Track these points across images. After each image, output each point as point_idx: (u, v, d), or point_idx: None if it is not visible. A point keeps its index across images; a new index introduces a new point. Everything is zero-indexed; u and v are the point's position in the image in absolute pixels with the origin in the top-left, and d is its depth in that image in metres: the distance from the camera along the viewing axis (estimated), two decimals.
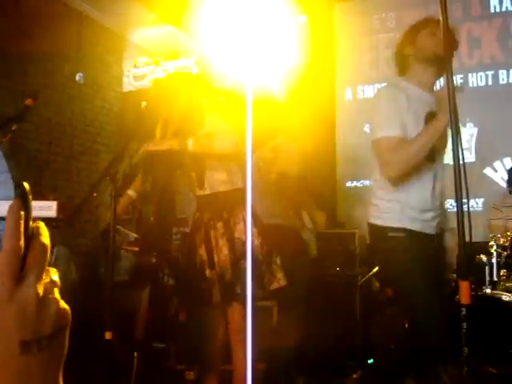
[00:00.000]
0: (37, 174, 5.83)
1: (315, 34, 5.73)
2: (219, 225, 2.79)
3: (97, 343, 2.03)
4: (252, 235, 2.79)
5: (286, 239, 3.58)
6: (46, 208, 2.79)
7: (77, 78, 6.03)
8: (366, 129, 5.76)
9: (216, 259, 2.75)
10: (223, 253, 2.75)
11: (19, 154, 5.58)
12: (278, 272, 2.85)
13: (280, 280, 2.84)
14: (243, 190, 2.86)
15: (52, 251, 2.50)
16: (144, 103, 2.70)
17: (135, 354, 2.50)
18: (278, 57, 5.72)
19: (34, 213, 2.24)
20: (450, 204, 5.33)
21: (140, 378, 2.75)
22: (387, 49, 5.73)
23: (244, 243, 2.75)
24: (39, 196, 4.91)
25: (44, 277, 0.60)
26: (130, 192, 3.15)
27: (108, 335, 2.10)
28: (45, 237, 0.62)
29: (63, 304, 0.61)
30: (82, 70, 6.36)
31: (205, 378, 3.04)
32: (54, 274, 0.63)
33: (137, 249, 2.82)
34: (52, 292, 0.61)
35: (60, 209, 2.78)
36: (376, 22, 5.81)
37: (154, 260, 2.80)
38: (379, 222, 2.61)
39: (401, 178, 2.53)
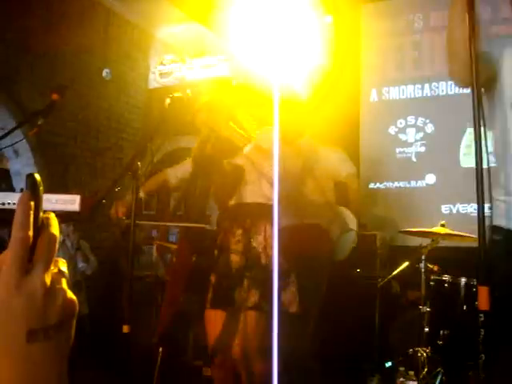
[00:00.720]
0: (62, 168, 5.91)
1: (341, 34, 5.71)
2: (238, 232, 2.82)
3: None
4: (270, 248, 2.79)
5: (309, 238, 3.56)
6: (69, 202, 2.83)
7: (103, 73, 6.09)
8: (391, 130, 5.74)
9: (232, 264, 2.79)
10: (236, 258, 2.78)
11: (45, 148, 5.67)
12: (295, 296, 2.85)
13: (296, 307, 2.84)
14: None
15: (73, 245, 2.54)
16: (168, 100, 2.71)
17: (160, 348, 2.51)
18: (304, 57, 5.73)
19: (58, 206, 2.27)
20: (474, 208, 5.30)
21: (156, 372, 2.76)
22: (413, 50, 5.71)
23: (259, 254, 2.76)
24: (64, 190, 4.99)
25: (52, 267, 0.62)
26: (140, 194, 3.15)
27: (126, 329, 2.12)
28: (54, 228, 0.63)
29: (70, 294, 0.63)
30: (109, 66, 6.43)
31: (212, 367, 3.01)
32: (63, 265, 0.64)
33: (174, 246, 2.82)
34: (60, 282, 0.62)
35: (83, 203, 2.81)
36: (403, 23, 5.77)
37: (193, 259, 2.81)
38: None
39: None
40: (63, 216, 2.88)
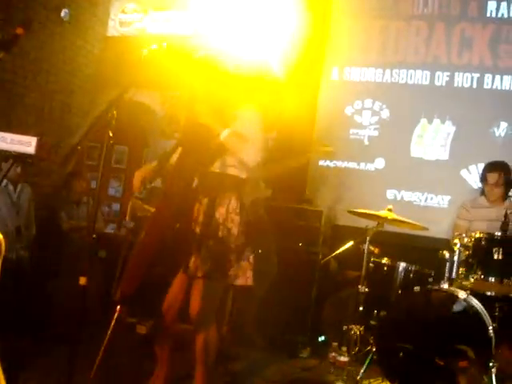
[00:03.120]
0: (8, 106, 5.66)
1: (311, 9, 5.68)
2: (204, 201, 2.83)
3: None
4: (232, 222, 2.82)
5: None
6: (24, 143, 2.72)
7: (62, 14, 5.83)
8: (347, 111, 5.79)
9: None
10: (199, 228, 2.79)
11: None
12: (248, 270, 2.88)
13: (248, 279, 2.88)
14: (244, 182, 2.90)
15: (16, 187, 2.45)
16: (145, 51, 2.62)
17: (118, 307, 2.47)
18: (273, 29, 5.66)
19: (12, 147, 2.17)
20: (418, 197, 5.47)
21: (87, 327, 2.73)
22: (380, 35, 5.75)
23: (219, 226, 2.78)
24: (7, 129, 4.76)
25: None
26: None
27: (83, 280, 2.07)
28: None
29: None
30: (68, 6, 6.15)
31: (157, 335, 3.05)
32: None
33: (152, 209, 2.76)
34: None
35: (39, 146, 2.70)
36: (373, 8, 5.80)
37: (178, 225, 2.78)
38: None
39: None
40: (17, 157, 2.77)
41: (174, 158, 3.01)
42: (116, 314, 2.49)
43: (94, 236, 2.41)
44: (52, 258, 5.44)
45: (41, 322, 4.32)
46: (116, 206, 7.44)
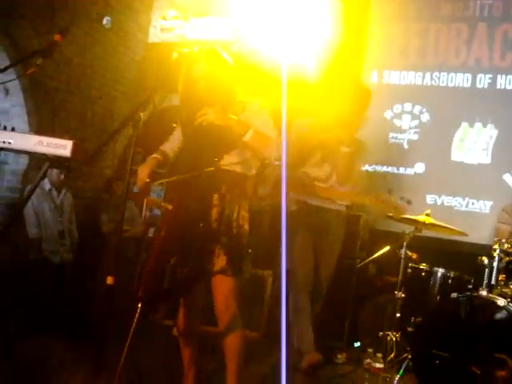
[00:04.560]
0: (52, 112, 5.80)
1: (350, 12, 5.65)
2: (215, 197, 2.84)
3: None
4: (243, 219, 2.87)
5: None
6: (60, 146, 2.76)
7: (104, 21, 5.95)
8: (387, 115, 5.72)
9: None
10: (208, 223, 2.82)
11: (37, 90, 5.55)
12: (249, 264, 2.97)
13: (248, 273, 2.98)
14: (248, 178, 2.95)
15: (59, 193, 2.51)
16: (175, 54, 2.65)
17: (139, 305, 2.50)
18: (311, 33, 5.66)
19: (49, 150, 2.21)
20: (458, 202, 5.35)
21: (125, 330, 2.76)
22: (419, 38, 5.67)
23: (232, 222, 2.82)
24: (51, 135, 4.89)
25: None
26: (158, 156, 3.06)
27: (110, 280, 2.10)
28: None
29: None
30: (109, 14, 6.28)
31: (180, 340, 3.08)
32: None
33: (170, 207, 2.79)
34: None
35: (75, 149, 2.74)
36: (412, 10, 5.72)
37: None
38: None
39: None
40: (53, 160, 2.82)
41: (175, 148, 3.04)
42: (138, 312, 2.51)
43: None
44: (93, 261, 5.56)
45: (78, 323, 4.40)
46: (157, 210, 7.52)
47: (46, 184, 5.22)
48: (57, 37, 3.14)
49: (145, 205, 3.26)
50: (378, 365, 3.94)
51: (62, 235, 5.34)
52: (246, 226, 2.87)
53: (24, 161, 5.52)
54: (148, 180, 2.84)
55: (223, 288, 2.85)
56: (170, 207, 2.76)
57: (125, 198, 2.35)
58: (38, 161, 5.29)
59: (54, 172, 5.17)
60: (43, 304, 4.73)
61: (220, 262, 2.78)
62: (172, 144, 3.10)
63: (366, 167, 5.72)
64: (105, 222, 5.91)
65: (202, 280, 2.90)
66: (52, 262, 5.20)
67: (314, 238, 3.99)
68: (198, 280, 2.84)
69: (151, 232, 7.05)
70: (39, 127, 5.53)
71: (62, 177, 5.27)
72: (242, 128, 2.79)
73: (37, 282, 4.89)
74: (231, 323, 2.87)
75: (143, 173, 2.86)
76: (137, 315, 2.50)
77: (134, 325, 2.45)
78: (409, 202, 3.91)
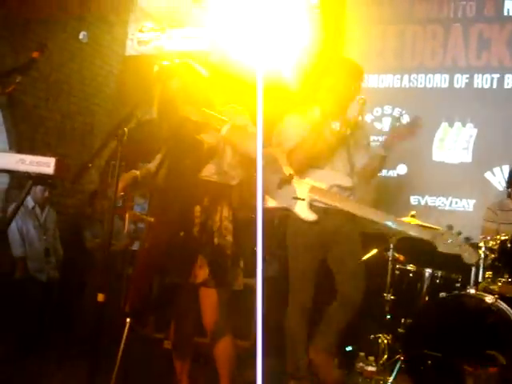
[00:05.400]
0: (31, 129, 5.75)
1: (326, 17, 5.69)
2: (197, 209, 2.83)
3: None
4: (226, 230, 2.86)
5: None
6: (43, 164, 2.74)
7: (80, 36, 5.92)
8: (367, 118, 5.75)
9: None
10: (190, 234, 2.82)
11: (15, 108, 5.51)
12: (240, 275, 2.96)
13: (241, 284, 2.96)
14: (230, 188, 2.92)
15: (43, 210, 2.49)
16: (156, 67, 2.64)
17: (128, 319, 2.48)
18: (289, 40, 5.69)
19: (32, 168, 2.18)
20: (442, 202, 5.39)
21: (115, 344, 2.74)
22: (396, 40, 5.71)
23: (213, 233, 2.81)
24: (31, 152, 4.86)
25: None
26: (137, 172, 3.05)
27: (100, 297, 2.08)
28: None
29: None
30: (85, 28, 6.25)
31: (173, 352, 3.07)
32: None
33: (151, 219, 2.77)
34: None
35: (58, 166, 2.72)
36: (388, 12, 5.77)
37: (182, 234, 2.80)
38: None
39: None
40: (37, 178, 2.79)
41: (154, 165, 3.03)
42: (127, 327, 2.49)
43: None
44: (79, 278, 5.51)
45: (66, 340, 4.37)
46: (142, 223, 7.48)
47: (29, 202, 5.16)
48: (35, 54, 3.13)
49: (127, 218, 3.25)
50: (370, 368, 3.94)
51: (48, 253, 5.29)
52: (229, 238, 2.86)
53: (4, 180, 5.47)
54: (122, 193, 2.83)
55: (208, 300, 2.86)
56: (151, 220, 2.75)
57: (112, 213, 2.33)
58: (20, 179, 5.24)
59: (38, 189, 5.12)
60: (31, 323, 4.69)
61: (203, 273, 2.78)
62: (156, 162, 3.10)
63: None
64: (88, 238, 5.84)
65: (186, 292, 2.89)
66: (38, 280, 5.14)
67: (325, 250, 3.44)
68: (182, 291, 2.83)
69: (135, 246, 7.03)
70: (19, 145, 5.49)
71: (46, 194, 5.22)
72: (218, 122, 2.76)
73: (23, 302, 4.84)
74: (221, 334, 2.88)
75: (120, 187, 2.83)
76: (126, 330, 2.48)
77: (123, 340, 2.43)
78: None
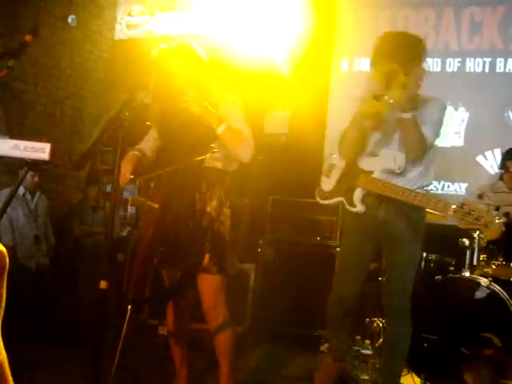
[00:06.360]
0: (21, 114, 5.68)
1: (317, 1, 5.66)
2: (196, 195, 2.81)
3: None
4: (224, 215, 2.83)
5: None
6: (38, 149, 2.69)
7: (69, 20, 5.85)
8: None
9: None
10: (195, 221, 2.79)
11: (4, 93, 5.42)
12: (236, 260, 2.94)
13: (236, 270, 2.95)
14: (230, 175, 2.90)
15: (33, 196, 2.45)
16: (155, 51, 2.60)
17: (129, 306, 2.46)
18: (280, 25, 5.65)
19: (26, 154, 2.14)
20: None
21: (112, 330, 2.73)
22: (389, 24, 5.69)
23: (213, 219, 2.79)
24: (20, 137, 4.80)
25: None
26: (136, 152, 2.97)
27: (103, 284, 2.06)
28: None
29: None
30: (74, 11, 6.17)
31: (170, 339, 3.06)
32: None
33: (156, 205, 2.73)
34: None
35: (53, 152, 2.68)
36: None
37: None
38: None
39: None
40: (31, 164, 2.75)
41: (152, 147, 3.01)
42: (128, 314, 2.47)
43: None
44: (69, 264, 5.49)
45: (62, 327, 4.34)
46: (132, 209, 7.45)
47: (20, 188, 5.08)
48: (27, 37, 3.06)
49: (130, 203, 3.20)
50: (366, 351, 3.97)
51: (38, 240, 5.22)
52: (228, 223, 2.84)
53: None
54: (132, 176, 2.78)
55: (209, 286, 2.83)
56: (156, 206, 2.72)
57: (115, 199, 2.30)
58: (9, 165, 5.18)
59: (28, 174, 5.05)
60: (21, 311, 4.65)
61: (204, 259, 2.76)
62: (148, 143, 3.05)
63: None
64: (75, 225, 5.81)
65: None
66: (27, 267, 5.09)
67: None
68: (194, 279, 2.81)
69: (126, 232, 7.00)
70: (8, 130, 5.41)
71: (36, 179, 5.15)
72: (215, 121, 2.75)
73: (13, 290, 4.78)
74: (222, 322, 2.85)
75: (126, 169, 2.77)
76: (127, 317, 2.47)
77: (124, 327, 2.41)
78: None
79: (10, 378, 0.82)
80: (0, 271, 0.54)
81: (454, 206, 2.54)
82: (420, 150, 2.88)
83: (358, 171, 3.00)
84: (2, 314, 0.52)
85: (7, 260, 0.53)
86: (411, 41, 2.97)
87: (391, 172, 2.92)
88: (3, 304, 0.55)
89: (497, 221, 2.50)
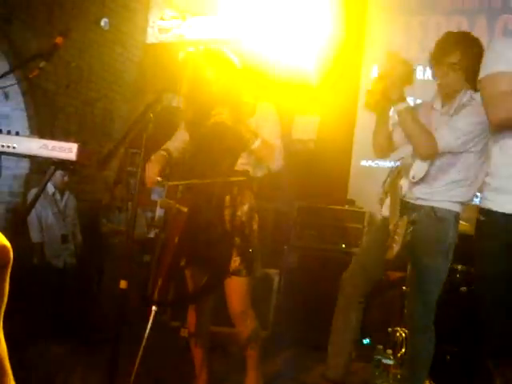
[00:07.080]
0: (51, 115, 5.77)
1: (348, 6, 5.64)
2: (227, 198, 2.82)
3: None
4: (253, 220, 2.86)
5: None
6: (65, 149, 2.72)
7: (102, 23, 5.93)
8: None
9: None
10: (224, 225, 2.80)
11: (36, 93, 5.53)
12: (260, 264, 3.04)
13: (260, 273, 3.00)
14: (258, 181, 2.93)
15: (62, 196, 2.47)
16: (182, 54, 2.62)
17: (153, 307, 2.47)
18: (310, 31, 5.64)
19: (54, 153, 2.17)
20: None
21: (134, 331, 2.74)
22: (420, 31, 5.64)
23: (244, 223, 2.80)
24: (51, 138, 4.89)
25: None
26: (164, 152, 2.98)
27: (123, 284, 2.08)
28: None
29: (3, 240, 0.56)
30: (107, 15, 6.25)
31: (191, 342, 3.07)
32: None
33: (185, 209, 2.75)
34: None
35: (80, 152, 2.71)
36: (411, 3, 5.70)
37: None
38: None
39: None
40: (59, 164, 2.78)
41: (179, 148, 3.01)
42: (152, 315, 2.48)
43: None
44: (96, 264, 5.54)
45: (87, 327, 4.38)
46: (160, 211, 7.51)
47: (49, 187, 5.15)
48: (58, 39, 3.13)
49: (158, 206, 3.21)
50: (388, 361, 3.92)
51: (65, 239, 5.29)
52: (256, 227, 2.87)
53: (25, 165, 5.50)
54: (159, 179, 2.78)
55: (238, 288, 2.85)
56: (185, 209, 2.72)
57: (136, 200, 2.31)
58: (40, 164, 5.26)
59: (58, 174, 5.11)
60: (46, 309, 4.71)
61: (233, 263, 2.77)
62: (175, 143, 3.05)
63: (369, 162, 5.70)
64: (104, 224, 5.88)
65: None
66: (54, 266, 5.16)
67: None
68: (221, 283, 2.82)
69: (153, 233, 7.06)
70: (39, 131, 5.51)
71: (66, 178, 5.22)
72: (250, 136, 2.77)
73: (40, 287, 4.85)
74: (253, 332, 2.90)
75: (153, 171, 2.78)
76: (151, 318, 2.48)
77: (148, 328, 2.42)
78: None
79: (10, 372, 0.83)
80: (4, 266, 0.54)
81: None
82: (424, 148, 2.75)
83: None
84: (3, 308, 0.52)
85: (11, 255, 0.54)
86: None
87: (411, 182, 2.85)
88: (5, 299, 0.55)
89: None
